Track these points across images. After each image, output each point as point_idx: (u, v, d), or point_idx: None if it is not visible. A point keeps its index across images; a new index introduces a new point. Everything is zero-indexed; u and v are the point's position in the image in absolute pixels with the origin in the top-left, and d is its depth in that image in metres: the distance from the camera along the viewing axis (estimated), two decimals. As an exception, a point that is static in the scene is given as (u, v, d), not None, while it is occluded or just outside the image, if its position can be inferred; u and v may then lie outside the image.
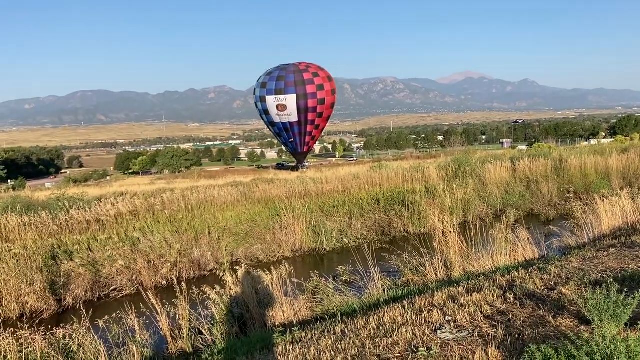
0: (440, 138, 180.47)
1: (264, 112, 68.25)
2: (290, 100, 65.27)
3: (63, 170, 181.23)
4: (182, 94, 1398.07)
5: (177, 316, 9.42)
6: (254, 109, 71.71)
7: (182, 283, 9.67)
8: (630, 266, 7.93)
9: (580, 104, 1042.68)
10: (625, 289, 5.43)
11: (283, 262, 11.53)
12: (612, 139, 65.22)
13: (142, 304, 9.57)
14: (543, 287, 7.20)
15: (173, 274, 14.11)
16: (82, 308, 9.77)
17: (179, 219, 17.62)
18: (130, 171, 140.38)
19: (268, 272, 10.31)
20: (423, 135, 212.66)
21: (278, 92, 65.56)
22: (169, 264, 14.44)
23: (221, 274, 10.23)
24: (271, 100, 66.09)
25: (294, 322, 9.14)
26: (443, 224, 11.94)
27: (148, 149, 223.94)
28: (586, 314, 5.36)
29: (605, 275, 7.43)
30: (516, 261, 11.10)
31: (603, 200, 13.71)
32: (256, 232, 17.96)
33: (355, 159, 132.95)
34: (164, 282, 14.62)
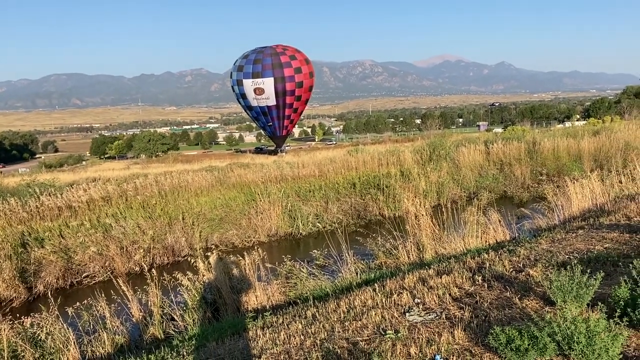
0: (418, 121, 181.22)
1: (241, 96, 67.56)
2: (267, 84, 64.66)
3: (37, 155, 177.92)
4: (159, 76, 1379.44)
5: (149, 303, 9.36)
6: (231, 92, 70.96)
7: (154, 270, 9.63)
8: (596, 247, 8.07)
9: (556, 87, 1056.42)
10: (589, 270, 5.51)
11: (257, 247, 11.51)
12: (586, 122, 66.17)
13: (114, 291, 9.50)
14: (511, 269, 7.29)
15: (146, 260, 14.02)
16: (52, 295, 9.62)
17: (152, 204, 17.43)
18: (106, 156, 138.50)
19: (241, 258, 10.30)
20: (401, 119, 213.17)
21: (255, 76, 64.87)
22: (141, 250, 14.33)
23: (193, 261, 10.17)
24: (248, 84, 65.40)
25: (267, 306, 9.14)
26: (416, 207, 12.01)
27: (124, 133, 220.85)
28: (551, 295, 5.44)
29: (571, 257, 7.55)
30: (487, 243, 11.22)
31: (574, 183, 13.90)
32: (231, 218, 17.88)
33: (334, 142, 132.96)
34: (137, 269, 14.47)
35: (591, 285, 5.23)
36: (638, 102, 79.59)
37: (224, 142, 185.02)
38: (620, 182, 15.35)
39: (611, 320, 4.38)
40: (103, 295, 9.14)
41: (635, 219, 9.96)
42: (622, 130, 26.76)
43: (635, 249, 7.58)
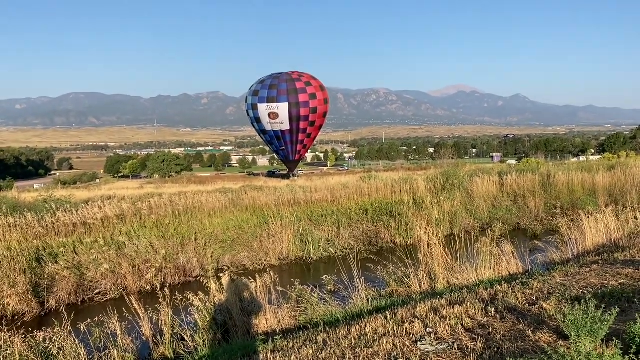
0: (431, 150, 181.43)
1: (256, 120, 68.22)
2: (282, 109, 65.28)
3: (52, 172, 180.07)
4: (175, 98, 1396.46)
5: (160, 322, 9.39)
6: (246, 115, 71.69)
7: (166, 289, 9.66)
8: (611, 283, 8.01)
9: (571, 121, 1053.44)
10: (603, 305, 5.48)
11: (269, 270, 11.53)
12: (601, 156, 65.86)
13: (126, 309, 9.54)
14: (525, 302, 7.26)
15: (158, 280, 14.02)
16: (64, 311, 9.69)
17: (166, 224, 17.53)
18: (120, 174, 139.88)
19: (253, 280, 10.32)
20: (414, 147, 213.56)
21: (270, 100, 65.56)
22: (154, 269, 14.35)
23: (205, 281, 10.21)
24: (263, 108, 66.07)
25: (277, 330, 9.13)
26: (429, 236, 11.99)
27: (139, 153, 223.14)
28: (564, 329, 5.41)
29: (585, 291, 7.50)
30: (500, 275, 11.16)
31: (588, 217, 13.83)
32: (243, 240, 17.91)
33: (346, 168, 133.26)
34: (149, 287, 14.51)
35: (606, 320, 5.20)
36: (654, 138, 79.05)
37: (237, 165, 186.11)
38: (636, 218, 15.23)
39: (627, 357, 4.35)
40: (115, 312, 9.19)
41: (651, 255, 9.88)
42: (637, 166, 26.58)
43: (650, 286, 7.51)
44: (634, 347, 4.77)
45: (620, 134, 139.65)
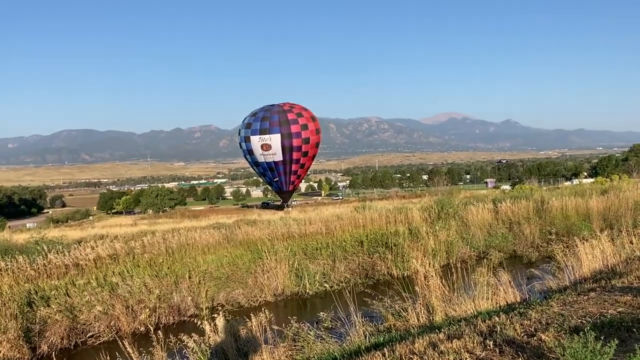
0: (425, 177, 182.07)
1: (248, 152, 68.62)
2: (274, 140, 65.77)
3: (45, 210, 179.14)
4: (168, 133, 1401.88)
5: (154, 365, 9.22)
6: (239, 148, 72.09)
7: (160, 329, 9.52)
8: (610, 311, 7.94)
9: (562, 144, 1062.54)
10: (602, 337, 5.42)
11: (264, 307, 11.39)
12: (593, 180, 66.37)
13: (119, 352, 9.35)
14: (523, 334, 7.17)
15: (152, 320, 13.81)
16: (56, 356, 9.50)
17: (159, 262, 17.35)
18: (113, 211, 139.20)
19: (248, 319, 10.17)
20: (408, 175, 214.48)
21: (263, 132, 66.09)
22: (147, 310, 14.15)
23: (199, 322, 10.06)
24: (255, 140, 66.53)
25: (274, 370, 8.97)
26: (425, 267, 11.92)
27: (132, 188, 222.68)
28: (564, 362, 5.34)
29: (584, 321, 7.42)
30: (498, 305, 11.05)
31: (583, 243, 13.79)
32: (237, 276, 17.74)
33: (340, 197, 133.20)
34: (143, 328, 14.27)
35: (605, 353, 5.14)
36: (645, 159, 79.77)
37: (231, 197, 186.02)
38: (632, 242, 15.18)
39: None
40: (108, 356, 9.01)
41: (648, 281, 9.83)
42: (630, 190, 26.71)
43: (649, 314, 7.45)
44: (634, 380, 4.70)
45: (612, 156, 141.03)
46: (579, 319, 7.71)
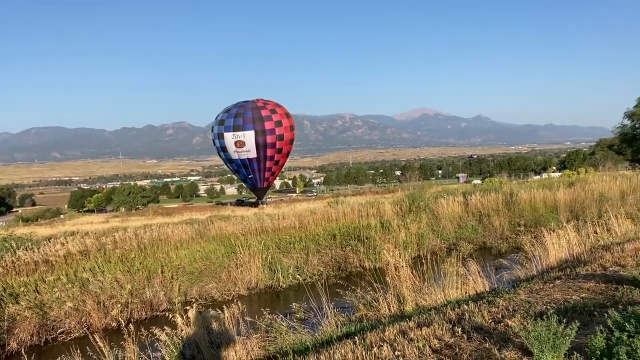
0: (398, 173, 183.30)
1: (222, 149, 68.03)
2: (248, 137, 65.33)
3: (14, 209, 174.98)
4: (140, 130, 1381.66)
5: (126, 359, 9.14)
6: (213, 145, 71.44)
7: (132, 325, 9.44)
8: (573, 297, 8.17)
9: (532, 139, 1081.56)
10: (566, 320, 5.58)
11: (237, 300, 11.38)
12: (561, 173, 67.74)
13: (90, 348, 9.25)
14: (491, 320, 7.32)
15: (124, 315, 13.71)
16: (26, 353, 9.36)
17: (131, 258, 17.17)
18: (85, 209, 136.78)
19: (221, 311, 10.16)
20: (381, 171, 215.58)
21: (236, 129, 65.58)
22: (119, 305, 14.02)
23: (171, 316, 10.01)
24: (229, 137, 65.99)
25: (247, 361, 8.99)
26: (396, 259, 12.05)
27: (104, 186, 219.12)
28: (528, 345, 5.48)
29: (549, 307, 7.62)
30: (467, 294, 11.24)
31: (550, 234, 14.12)
32: (211, 271, 17.67)
33: (315, 194, 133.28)
34: (114, 324, 14.12)
35: (567, 335, 5.29)
36: (611, 154, 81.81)
37: (205, 195, 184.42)
38: (596, 232, 15.62)
39: (587, 370, 4.43)
40: (79, 351, 8.92)
41: (611, 268, 10.12)
42: (596, 182, 27.36)
43: (610, 299, 7.69)
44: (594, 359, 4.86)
45: (580, 150, 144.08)
46: (544, 305, 7.91)
